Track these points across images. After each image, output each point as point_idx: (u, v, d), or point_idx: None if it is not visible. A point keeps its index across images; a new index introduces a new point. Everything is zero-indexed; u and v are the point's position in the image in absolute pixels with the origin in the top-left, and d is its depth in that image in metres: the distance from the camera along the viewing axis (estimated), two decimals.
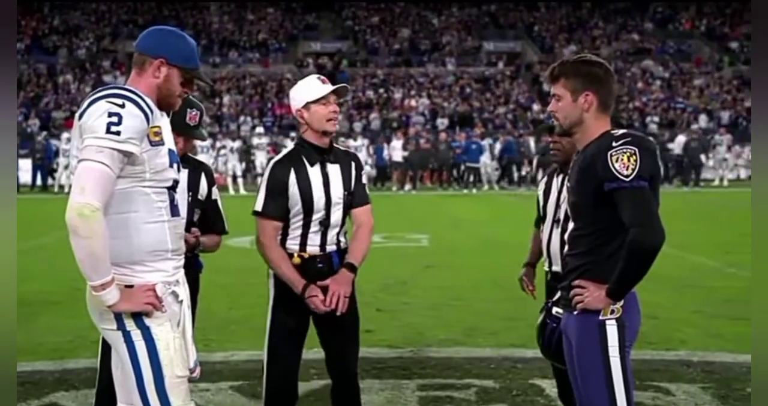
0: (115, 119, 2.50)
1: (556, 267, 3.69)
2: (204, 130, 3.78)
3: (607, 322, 2.70)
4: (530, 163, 24.60)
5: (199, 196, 3.74)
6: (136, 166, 2.58)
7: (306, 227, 3.51)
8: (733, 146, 25.91)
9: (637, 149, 2.62)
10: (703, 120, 31.39)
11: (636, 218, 2.61)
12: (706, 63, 38.71)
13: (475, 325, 6.59)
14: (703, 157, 23.87)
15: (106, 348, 3.36)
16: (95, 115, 2.52)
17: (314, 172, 3.52)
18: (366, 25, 42.02)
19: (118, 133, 2.50)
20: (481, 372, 5.21)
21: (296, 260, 3.51)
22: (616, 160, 2.61)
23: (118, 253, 2.57)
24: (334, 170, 3.56)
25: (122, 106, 2.53)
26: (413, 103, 33.81)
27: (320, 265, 3.52)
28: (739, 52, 38.96)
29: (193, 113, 3.60)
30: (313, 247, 3.52)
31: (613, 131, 2.73)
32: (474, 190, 23.07)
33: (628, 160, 2.60)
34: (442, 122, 31.49)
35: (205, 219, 3.80)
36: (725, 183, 24.79)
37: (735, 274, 8.86)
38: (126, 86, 2.65)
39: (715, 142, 25.55)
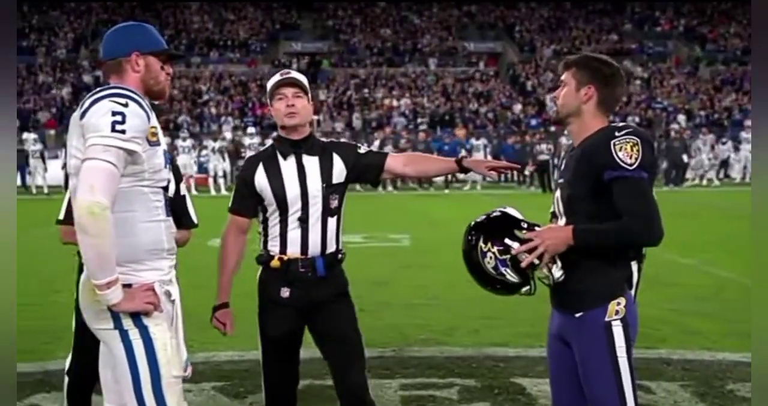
0: (119, 118, 2.50)
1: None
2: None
3: (613, 323, 2.69)
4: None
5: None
6: (138, 165, 2.59)
7: (284, 224, 3.29)
8: (717, 145, 26.05)
9: (639, 140, 2.63)
10: (681, 120, 31.60)
11: (635, 207, 2.59)
12: (684, 63, 39.02)
13: (455, 324, 6.61)
14: (684, 156, 23.90)
15: (80, 347, 3.37)
16: (99, 113, 2.52)
17: (287, 165, 3.32)
18: (347, 25, 41.99)
19: (123, 131, 2.51)
20: (463, 371, 5.23)
21: (275, 262, 3.30)
22: (620, 149, 2.61)
23: (119, 252, 2.57)
24: (311, 162, 3.33)
25: (126, 105, 2.53)
26: (394, 103, 33.81)
27: (302, 269, 3.28)
28: (716, 52, 39.29)
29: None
30: (293, 248, 3.28)
31: (613, 124, 2.75)
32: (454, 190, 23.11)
33: (632, 150, 2.61)
34: (422, 122, 31.51)
35: (174, 215, 3.78)
36: (704, 182, 24.94)
37: (710, 272, 8.93)
38: (126, 86, 2.65)
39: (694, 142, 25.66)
